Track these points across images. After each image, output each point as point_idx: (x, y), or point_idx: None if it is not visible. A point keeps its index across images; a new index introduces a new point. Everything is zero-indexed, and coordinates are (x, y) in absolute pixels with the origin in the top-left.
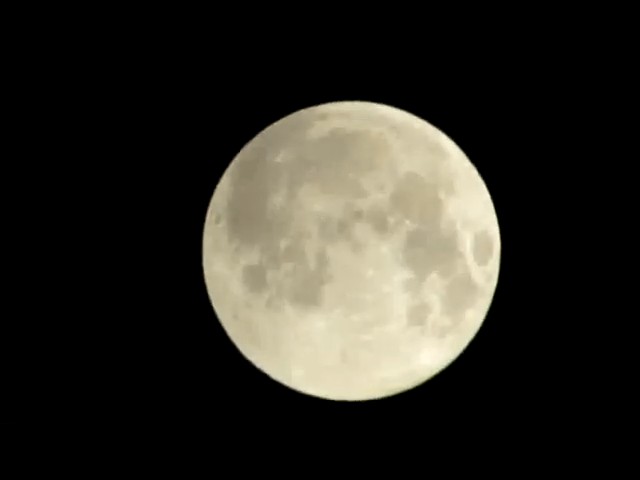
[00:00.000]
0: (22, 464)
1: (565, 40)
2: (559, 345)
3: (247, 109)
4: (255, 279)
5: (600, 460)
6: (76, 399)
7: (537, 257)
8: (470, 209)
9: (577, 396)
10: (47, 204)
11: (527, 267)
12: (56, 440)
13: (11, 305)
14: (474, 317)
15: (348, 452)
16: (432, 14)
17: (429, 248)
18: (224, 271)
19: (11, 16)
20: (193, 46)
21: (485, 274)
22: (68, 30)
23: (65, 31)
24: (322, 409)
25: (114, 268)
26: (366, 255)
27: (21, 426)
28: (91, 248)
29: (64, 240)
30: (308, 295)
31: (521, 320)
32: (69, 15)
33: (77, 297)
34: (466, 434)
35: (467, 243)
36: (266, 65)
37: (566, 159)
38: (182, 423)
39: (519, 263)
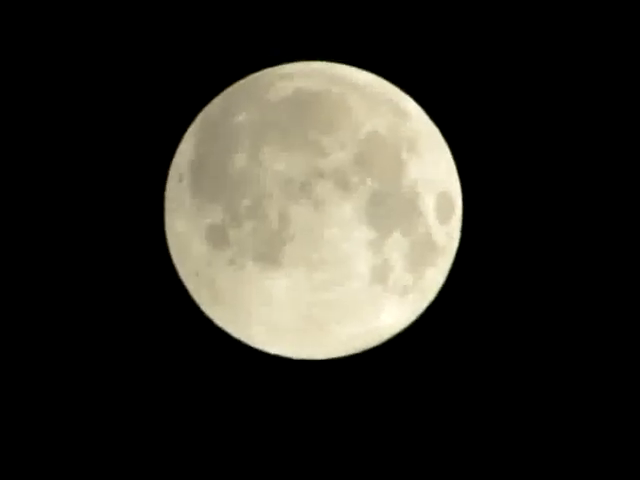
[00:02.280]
0: (14, 466)
1: (537, 18)
2: (519, 306)
3: (209, 69)
4: (217, 238)
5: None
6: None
7: (498, 217)
8: (432, 169)
9: (534, 355)
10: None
11: (488, 227)
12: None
13: None
14: (435, 276)
15: (310, 411)
16: None
17: (391, 207)
18: (186, 229)
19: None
20: (159, 3)
21: (447, 234)
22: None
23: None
24: (283, 368)
25: (77, 228)
26: (328, 214)
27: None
28: (55, 210)
29: (26, 203)
30: (270, 254)
31: (482, 280)
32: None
33: (40, 262)
34: (427, 394)
35: (429, 203)
36: (230, 24)
37: (530, 123)
38: (144, 381)
39: (480, 223)
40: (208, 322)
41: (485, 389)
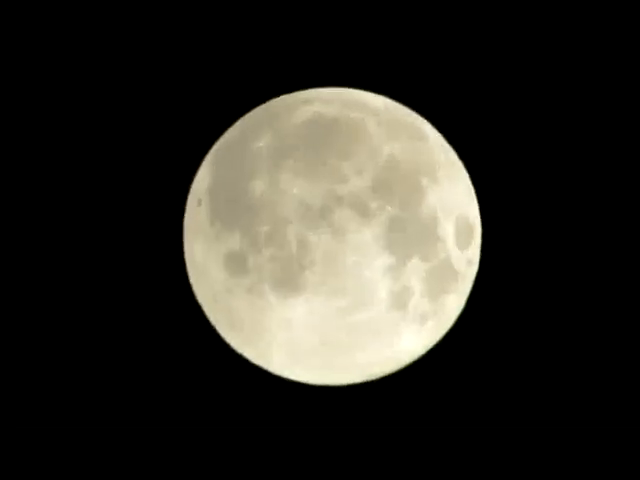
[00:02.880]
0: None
1: (548, 33)
2: (539, 331)
3: (230, 94)
4: (236, 264)
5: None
6: (56, 379)
7: (518, 243)
8: (451, 195)
9: (556, 381)
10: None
11: (508, 253)
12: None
13: None
14: (455, 302)
15: (329, 437)
16: (418, 4)
17: (410, 233)
18: (205, 255)
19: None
20: (176, 30)
21: (466, 259)
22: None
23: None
24: (303, 394)
25: (96, 252)
26: (347, 241)
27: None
28: (73, 234)
29: (42, 224)
30: (289, 281)
31: (501, 306)
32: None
33: (58, 282)
34: (447, 419)
35: (448, 229)
36: (251, 50)
37: (547, 146)
38: (161, 407)
39: (500, 249)
40: (226, 348)
41: (503, 415)
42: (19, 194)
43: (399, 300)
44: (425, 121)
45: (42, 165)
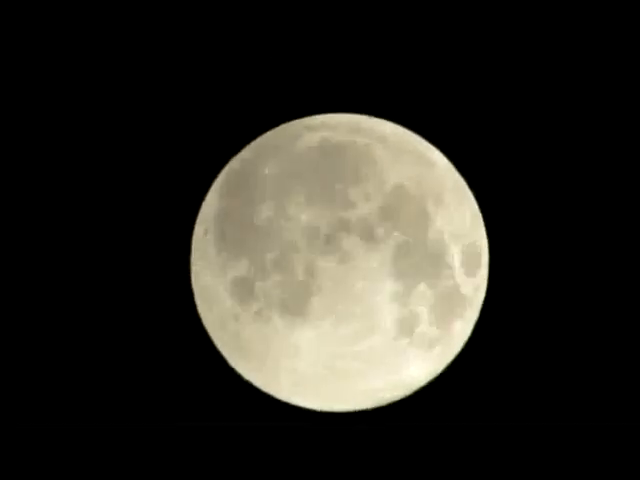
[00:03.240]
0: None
1: (552, 57)
2: (546, 356)
3: (235, 121)
4: (243, 291)
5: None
6: (67, 410)
7: (525, 269)
8: (458, 221)
9: (565, 407)
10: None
11: (515, 279)
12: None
13: None
14: (462, 328)
15: (337, 464)
16: (420, 29)
17: (417, 260)
18: (212, 283)
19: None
20: (183, 58)
21: (473, 285)
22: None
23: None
24: (310, 420)
25: (104, 281)
26: (354, 267)
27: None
28: (81, 261)
29: (56, 252)
30: (296, 307)
31: (509, 332)
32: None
33: (68, 306)
34: (454, 444)
35: (455, 255)
36: (255, 77)
37: (554, 171)
38: (170, 434)
39: (507, 275)
40: (234, 374)
41: (511, 440)
42: (33, 225)
43: (406, 326)
44: (432, 147)
45: (54, 194)
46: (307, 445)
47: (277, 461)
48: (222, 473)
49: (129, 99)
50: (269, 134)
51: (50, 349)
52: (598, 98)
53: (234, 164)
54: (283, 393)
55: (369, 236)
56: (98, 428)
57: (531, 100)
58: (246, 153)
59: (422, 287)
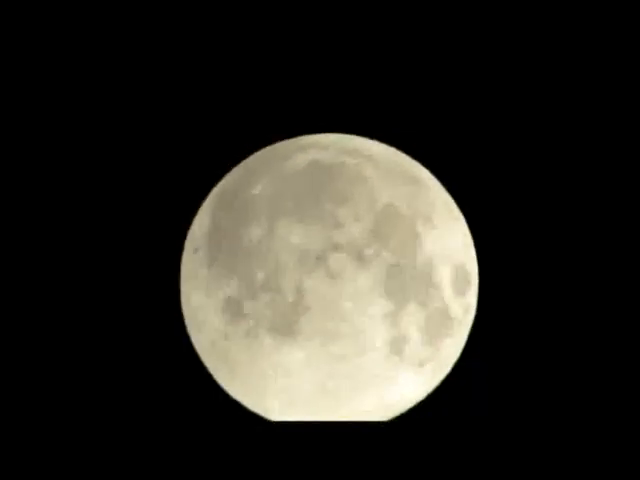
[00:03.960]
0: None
1: (538, 80)
2: (536, 376)
3: (226, 140)
4: (233, 310)
5: None
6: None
7: (515, 289)
8: (448, 241)
9: (556, 425)
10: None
11: (505, 298)
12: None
13: None
14: (452, 348)
15: None
16: (410, 51)
17: (407, 280)
18: (202, 302)
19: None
20: (172, 78)
21: (463, 306)
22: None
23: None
24: (299, 439)
25: (92, 299)
26: (344, 287)
27: None
28: (68, 281)
29: (43, 268)
30: (285, 326)
31: (498, 352)
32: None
33: (56, 326)
34: (443, 468)
35: (445, 275)
36: (246, 97)
37: (545, 192)
38: (158, 454)
39: (497, 295)
40: (224, 395)
41: (502, 462)
42: (25, 231)
43: (396, 346)
44: (422, 167)
45: (37, 211)
46: (296, 465)
47: None
48: None
49: (120, 118)
50: (259, 154)
51: (38, 373)
52: (587, 122)
53: (224, 183)
54: (272, 412)
55: (358, 256)
56: (87, 448)
57: (520, 121)
58: (236, 172)
59: (412, 307)
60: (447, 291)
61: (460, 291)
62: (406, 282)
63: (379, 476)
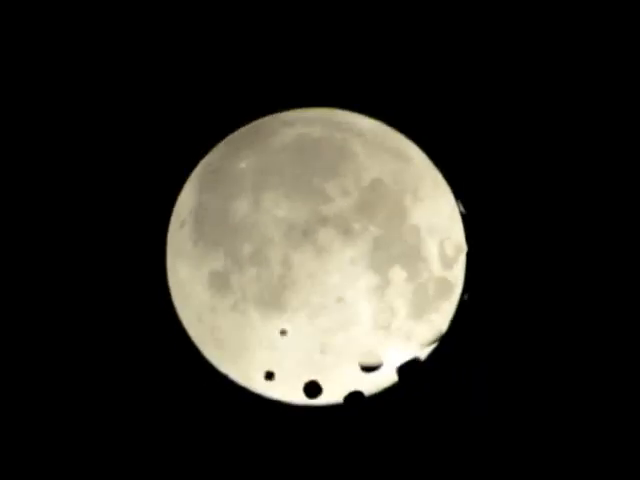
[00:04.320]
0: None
1: (533, 56)
2: (523, 349)
3: (213, 115)
4: (220, 283)
5: None
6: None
7: (503, 262)
8: (435, 215)
9: (543, 401)
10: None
11: (493, 272)
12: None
13: None
14: (439, 321)
15: (310, 458)
16: (400, 24)
17: (394, 253)
18: (189, 276)
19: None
20: (159, 53)
21: (450, 278)
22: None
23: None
24: (285, 413)
25: (79, 273)
26: (330, 260)
27: None
28: (54, 257)
29: (31, 245)
30: (272, 300)
31: (485, 324)
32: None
33: (43, 301)
34: (428, 441)
35: (432, 249)
36: (232, 71)
37: (533, 166)
38: (145, 426)
39: (484, 268)
40: (210, 367)
41: (490, 434)
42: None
43: (383, 319)
44: (409, 142)
45: (27, 178)
46: (283, 437)
47: (253, 454)
48: (199, 465)
49: (105, 95)
50: (245, 128)
51: (26, 340)
52: (578, 96)
53: (211, 158)
54: (259, 386)
55: (346, 230)
56: (75, 422)
57: (511, 96)
58: (222, 147)
59: (399, 280)
60: (435, 264)
61: (447, 264)
62: (393, 255)
63: (364, 452)
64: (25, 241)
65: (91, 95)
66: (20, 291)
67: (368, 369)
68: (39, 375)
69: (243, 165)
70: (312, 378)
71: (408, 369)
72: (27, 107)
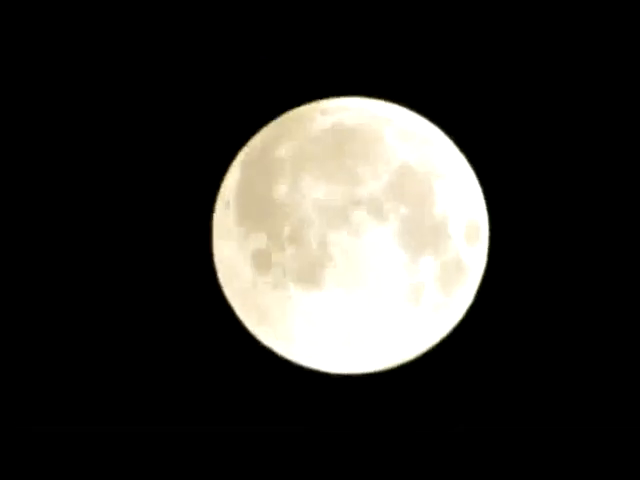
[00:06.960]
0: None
1: (554, 44)
2: (544, 324)
3: (257, 103)
4: (262, 262)
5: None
6: (88, 378)
7: (524, 241)
8: (460, 196)
9: (563, 376)
10: (51, 194)
11: (514, 250)
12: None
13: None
14: (465, 295)
15: (351, 424)
16: (430, 13)
17: (422, 232)
18: (232, 253)
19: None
20: (202, 43)
21: (474, 255)
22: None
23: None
24: (324, 383)
25: (127, 253)
26: (364, 239)
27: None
28: (105, 235)
29: (76, 228)
30: (311, 277)
31: (508, 298)
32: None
33: (91, 283)
34: (458, 406)
35: (457, 227)
36: (277, 63)
37: (555, 151)
38: (192, 400)
39: (506, 245)
40: (254, 341)
41: (511, 404)
42: (46, 206)
43: (414, 294)
44: (436, 127)
45: (69, 166)
46: (323, 407)
47: (294, 424)
48: (241, 438)
49: (154, 79)
50: (284, 116)
51: (76, 321)
52: (600, 82)
53: (254, 142)
54: (299, 357)
55: (377, 211)
56: (122, 397)
57: (534, 81)
58: (265, 132)
59: (427, 257)
60: (459, 242)
61: (471, 242)
62: (421, 234)
63: (400, 419)
64: (86, 222)
65: (145, 80)
66: (69, 268)
67: (400, 342)
68: (98, 352)
69: (283, 150)
70: (348, 350)
71: None
72: (65, 96)
